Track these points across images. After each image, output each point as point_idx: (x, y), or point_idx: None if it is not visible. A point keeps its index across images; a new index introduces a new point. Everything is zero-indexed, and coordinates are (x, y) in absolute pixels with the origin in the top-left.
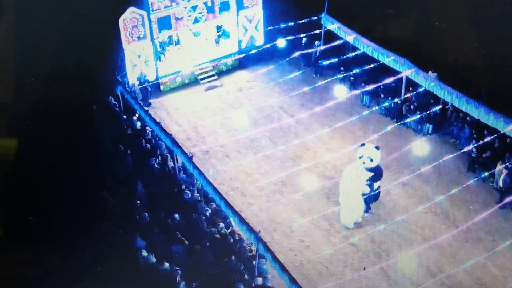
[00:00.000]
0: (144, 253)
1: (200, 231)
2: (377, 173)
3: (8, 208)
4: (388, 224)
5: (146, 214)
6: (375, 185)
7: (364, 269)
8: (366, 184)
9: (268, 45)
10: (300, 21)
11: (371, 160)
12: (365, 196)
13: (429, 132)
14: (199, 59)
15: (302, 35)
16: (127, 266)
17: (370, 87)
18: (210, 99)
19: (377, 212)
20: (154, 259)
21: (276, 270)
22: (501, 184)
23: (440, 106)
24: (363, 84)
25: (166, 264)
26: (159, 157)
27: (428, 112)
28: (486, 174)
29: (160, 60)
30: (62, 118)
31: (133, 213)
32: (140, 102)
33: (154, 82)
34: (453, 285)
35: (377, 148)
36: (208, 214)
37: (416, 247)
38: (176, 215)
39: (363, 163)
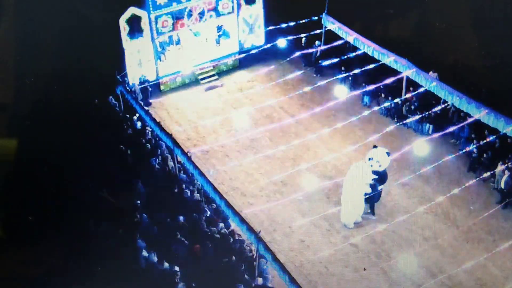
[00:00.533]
0: (145, 253)
1: (200, 231)
2: (382, 177)
3: (8, 208)
4: (388, 225)
5: (145, 214)
6: (378, 187)
7: (365, 269)
8: (370, 186)
9: (268, 45)
10: (301, 21)
11: (380, 165)
12: (366, 196)
13: (430, 132)
14: (200, 59)
15: (302, 35)
16: (127, 266)
17: (371, 87)
18: (210, 99)
19: (378, 212)
20: (154, 259)
21: (276, 270)
22: (502, 185)
23: (441, 107)
24: (363, 84)
25: (166, 264)
26: (159, 157)
27: (428, 112)
28: (487, 174)
29: (160, 60)
30: (62, 118)
31: (133, 213)
32: (141, 102)
33: (155, 82)
34: (454, 285)
35: (388, 154)
36: (208, 214)
37: (417, 248)
38: (181, 217)
39: (371, 165)
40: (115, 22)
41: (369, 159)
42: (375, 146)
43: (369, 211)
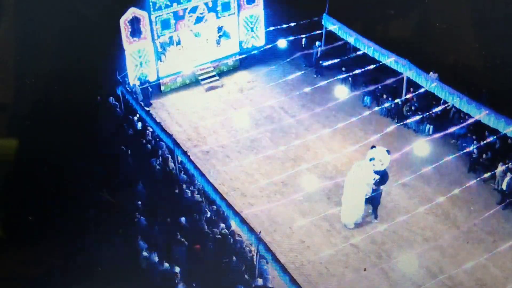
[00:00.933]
0: (145, 253)
1: (201, 231)
2: (383, 177)
3: (8, 208)
4: (389, 225)
5: (146, 215)
6: (380, 188)
7: (365, 270)
8: (373, 187)
9: (269, 46)
10: (301, 22)
11: (382, 164)
12: (367, 197)
13: (430, 132)
14: (200, 60)
15: (303, 36)
16: (127, 266)
17: (371, 87)
18: (210, 99)
19: (378, 213)
20: (154, 259)
21: (277, 270)
22: (504, 187)
23: (441, 107)
24: (364, 85)
25: (166, 265)
26: (160, 157)
27: (428, 112)
28: (487, 175)
29: (161, 61)
30: (62, 118)
31: (133, 214)
32: (141, 102)
33: (155, 83)
34: (454, 285)
35: (388, 152)
36: (208, 215)
37: (417, 248)
38: (182, 218)
39: (373, 165)
40: (115, 22)
41: (370, 159)
42: (373, 146)
43: (370, 211)
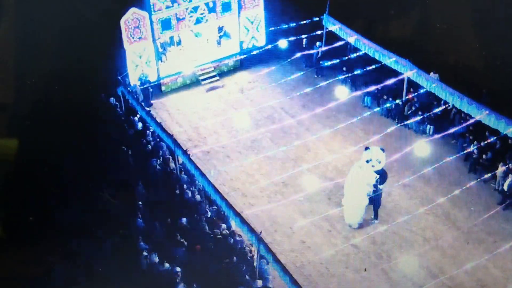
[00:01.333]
0: (145, 254)
1: (201, 232)
2: (382, 176)
3: (8, 208)
4: (389, 225)
5: (146, 215)
6: (380, 187)
7: (365, 270)
8: (374, 188)
9: (269, 46)
10: (302, 22)
11: (379, 162)
12: (369, 197)
13: (431, 133)
14: (201, 60)
15: (303, 36)
16: (127, 266)
17: (372, 88)
18: (211, 99)
19: (379, 213)
20: (155, 260)
21: (277, 271)
22: (505, 188)
23: (442, 107)
24: (364, 85)
25: (167, 265)
26: (161, 157)
27: (429, 113)
28: (488, 175)
29: (161, 61)
30: (62, 118)
31: (133, 214)
32: (142, 102)
33: (156, 83)
34: (454, 286)
35: (383, 150)
36: (209, 215)
37: (417, 249)
38: (184, 219)
39: (372, 166)
40: (116, 23)
41: (368, 161)
42: (367, 148)
43: (372, 217)
